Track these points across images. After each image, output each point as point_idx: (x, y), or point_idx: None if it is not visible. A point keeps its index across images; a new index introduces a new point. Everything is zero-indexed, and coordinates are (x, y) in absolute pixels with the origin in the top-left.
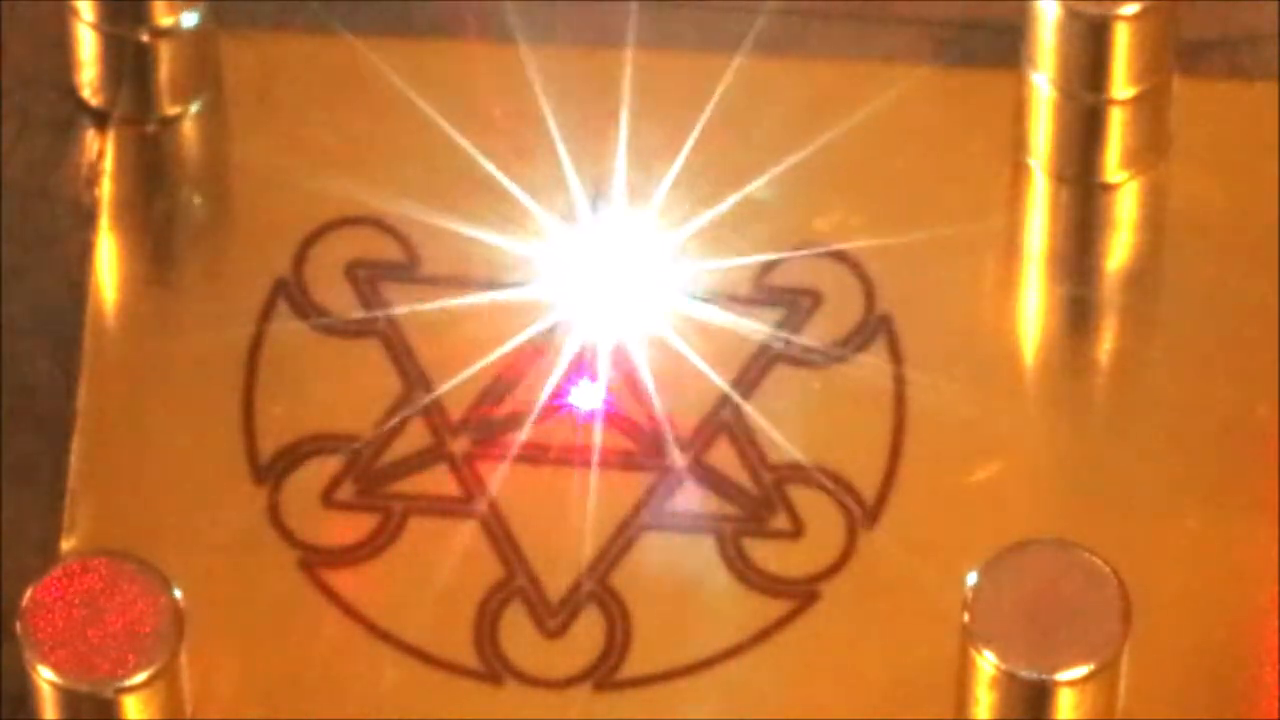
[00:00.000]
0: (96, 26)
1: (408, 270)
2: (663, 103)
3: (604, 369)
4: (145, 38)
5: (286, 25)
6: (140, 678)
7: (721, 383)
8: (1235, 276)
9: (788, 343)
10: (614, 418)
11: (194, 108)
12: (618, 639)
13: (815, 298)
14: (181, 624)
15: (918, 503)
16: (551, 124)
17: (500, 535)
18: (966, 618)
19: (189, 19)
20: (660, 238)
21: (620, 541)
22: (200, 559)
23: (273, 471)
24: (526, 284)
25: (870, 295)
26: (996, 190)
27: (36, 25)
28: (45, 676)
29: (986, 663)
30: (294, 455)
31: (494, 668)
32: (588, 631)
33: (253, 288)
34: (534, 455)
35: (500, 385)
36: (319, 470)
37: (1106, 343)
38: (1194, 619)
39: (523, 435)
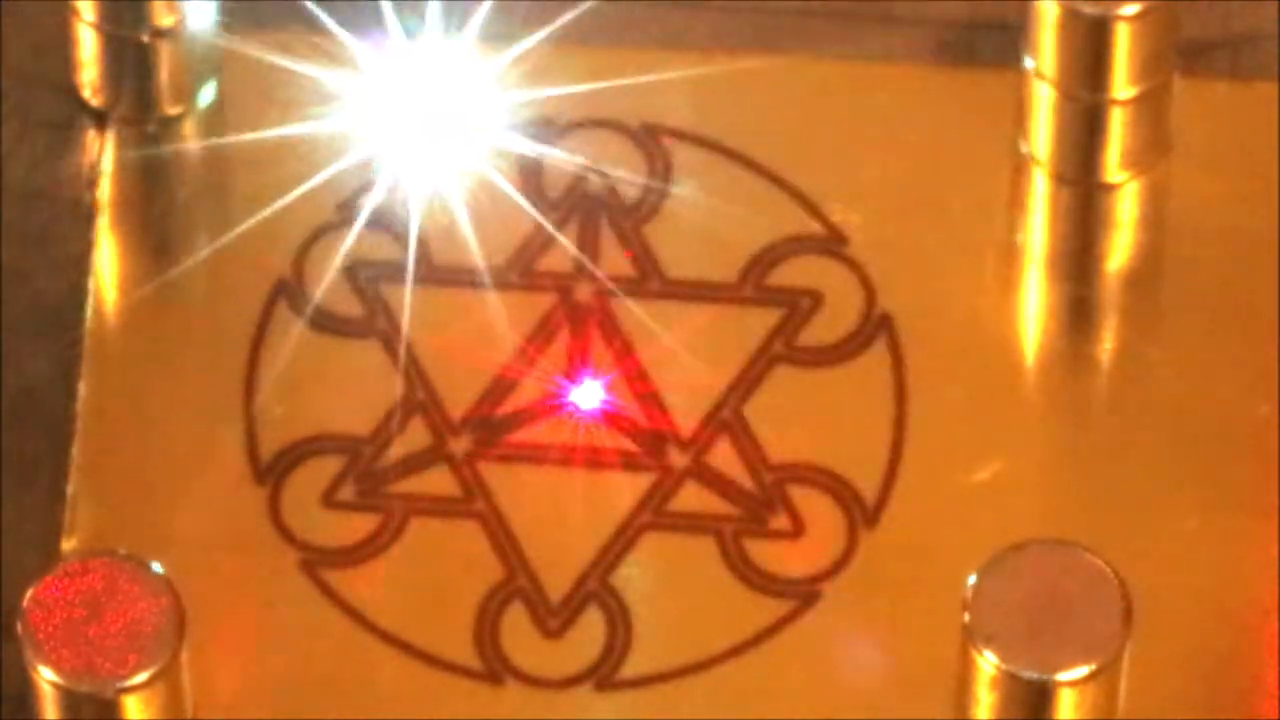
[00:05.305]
0: (96, 26)
1: (408, 270)
2: (662, 102)
3: (605, 368)
4: (145, 38)
5: (286, 25)
6: (141, 678)
7: (721, 383)
8: (1235, 276)
9: (788, 343)
10: (614, 418)
11: (194, 108)
12: (618, 639)
13: (815, 298)
14: (182, 624)
15: (918, 503)
16: (561, 127)
17: (500, 535)
18: (966, 618)
19: (189, 19)
20: None
21: (620, 541)
22: (200, 559)
23: (273, 471)
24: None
25: (870, 295)
26: (996, 190)
27: (36, 25)
28: (46, 676)
29: (987, 663)
30: (294, 455)
31: (494, 668)
32: (588, 631)
33: (253, 288)
34: (534, 455)
35: (500, 385)
36: (319, 470)
37: (1106, 343)
38: (1194, 619)
39: (523, 435)
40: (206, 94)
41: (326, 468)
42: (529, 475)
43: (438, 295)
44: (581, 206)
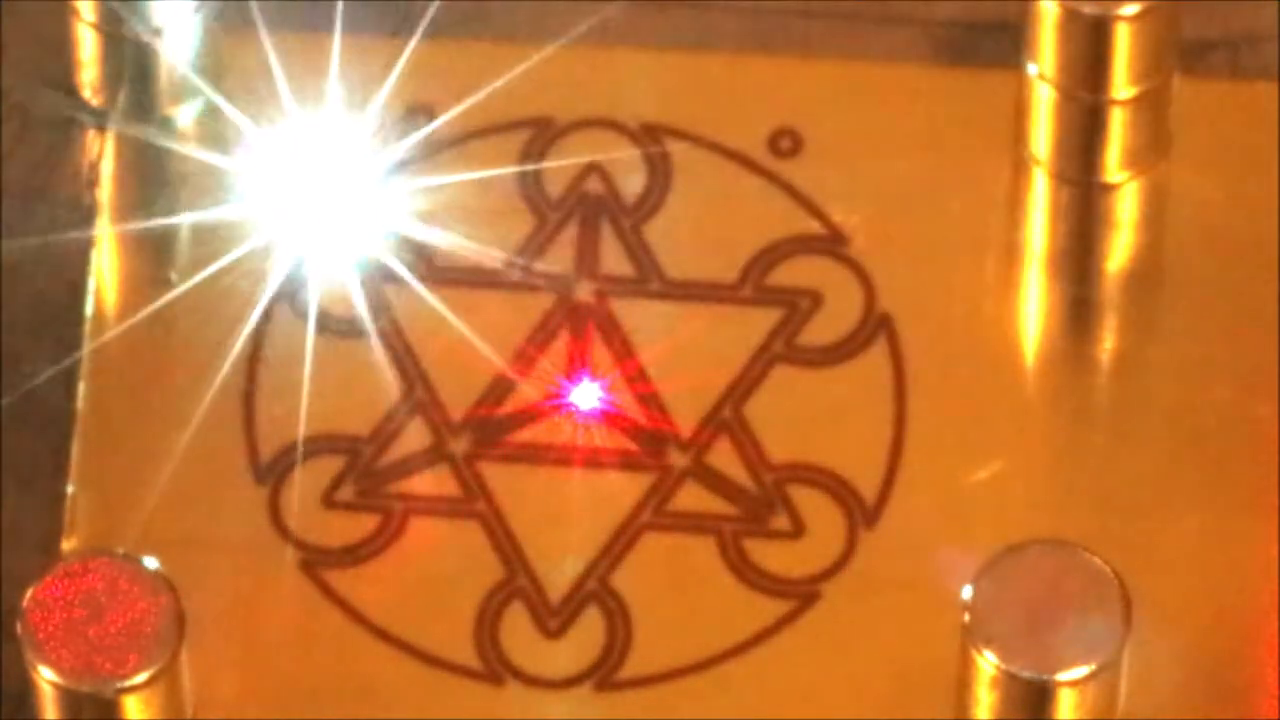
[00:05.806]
0: (96, 26)
1: (408, 270)
2: (662, 102)
3: (605, 369)
4: (145, 38)
5: (286, 25)
6: (141, 678)
7: (721, 383)
8: (1235, 276)
9: (788, 343)
10: (614, 418)
11: (194, 108)
12: (618, 639)
13: (815, 298)
14: (182, 624)
15: (918, 503)
16: (561, 127)
17: (500, 535)
18: (966, 618)
19: (189, 19)
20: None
21: (620, 541)
22: (200, 559)
23: (273, 471)
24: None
25: (870, 295)
26: (996, 190)
27: (36, 25)
28: (46, 676)
29: (986, 663)
30: (294, 455)
31: (494, 668)
32: (588, 632)
33: (253, 288)
34: (534, 455)
35: (500, 385)
36: (319, 470)
37: (1106, 343)
38: (1194, 619)
39: (523, 435)
40: (206, 94)
41: (326, 468)
42: (529, 475)
43: (438, 295)
44: (581, 206)
